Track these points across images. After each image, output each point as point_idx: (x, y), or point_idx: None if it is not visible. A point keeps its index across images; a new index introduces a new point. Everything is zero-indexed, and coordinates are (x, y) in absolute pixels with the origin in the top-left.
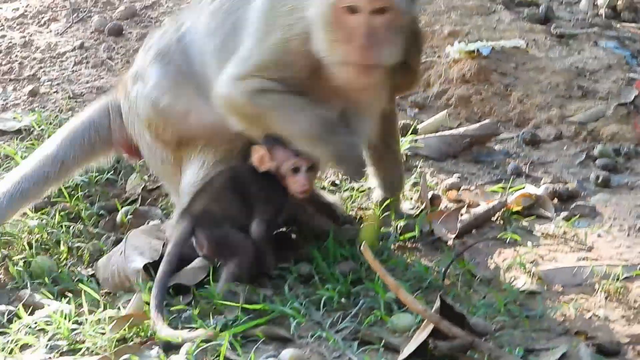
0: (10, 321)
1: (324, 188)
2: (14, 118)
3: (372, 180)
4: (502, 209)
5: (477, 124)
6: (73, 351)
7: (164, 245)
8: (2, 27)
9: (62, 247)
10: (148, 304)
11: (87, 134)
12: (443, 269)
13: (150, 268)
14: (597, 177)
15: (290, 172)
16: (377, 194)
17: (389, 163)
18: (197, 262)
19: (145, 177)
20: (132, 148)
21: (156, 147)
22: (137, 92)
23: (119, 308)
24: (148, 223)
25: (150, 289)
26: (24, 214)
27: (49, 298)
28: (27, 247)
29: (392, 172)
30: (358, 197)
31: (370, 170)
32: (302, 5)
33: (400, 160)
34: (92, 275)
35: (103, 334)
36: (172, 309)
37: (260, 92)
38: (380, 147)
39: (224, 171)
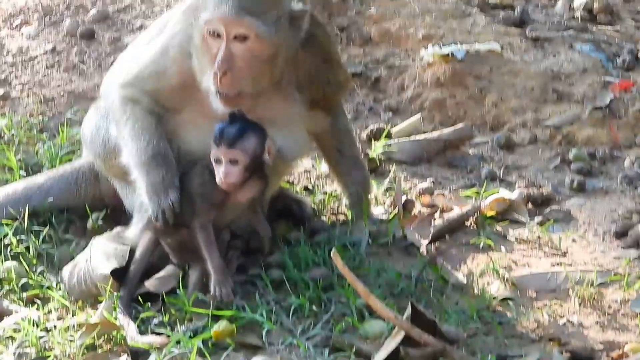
0: None
1: (296, 193)
2: None
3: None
4: (476, 214)
5: (452, 128)
6: (42, 359)
7: (131, 251)
8: None
9: (32, 253)
10: (117, 310)
11: (77, 174)
12: (415, 275)
13: (117, 274)
14: (572, 182)
15: (214, 163)
16: (346, 201)
17: (347, 169)
18: (166, 270)
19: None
20: None
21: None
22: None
23: (88, 315)
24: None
25: (118, 295)
26: None
27: (18, 305)
28: None
29: (353, 179)
30: (331, 201)
31: (335, 178)
32: (189, 20)
33: (361, 165)
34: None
35: (72, 341)
36: (141, 315)
37: (131, 101)
38: (333, 155)
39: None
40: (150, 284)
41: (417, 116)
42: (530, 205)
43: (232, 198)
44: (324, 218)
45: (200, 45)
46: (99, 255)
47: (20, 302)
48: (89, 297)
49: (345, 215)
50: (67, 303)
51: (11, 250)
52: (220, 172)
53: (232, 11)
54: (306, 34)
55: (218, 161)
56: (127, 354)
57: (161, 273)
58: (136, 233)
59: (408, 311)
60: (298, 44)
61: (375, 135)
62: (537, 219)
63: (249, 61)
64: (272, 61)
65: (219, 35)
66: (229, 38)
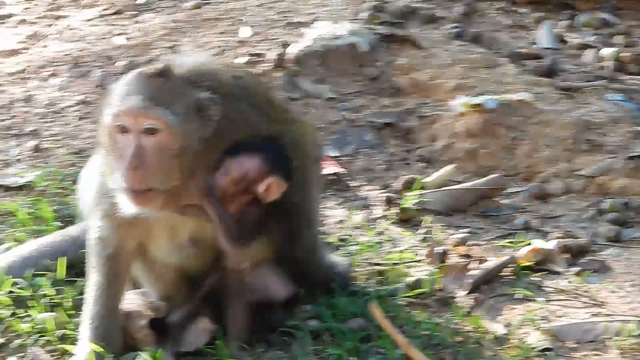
0: None
1: (329, 244)
2: (17, 174)
3: None
4: (512, 264)
5: (485, 178)
6: None
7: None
8: (3, 83)
9: (69, 304)
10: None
11: None
12: (453, 326)
13: (154, 325)
14: (608, 232)
15: None
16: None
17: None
18: (200, 324)
19: None
20: None
21: None
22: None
23: None
24: None
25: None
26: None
27: (56, 356)
28: (33, 304)
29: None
30: (365, 252)
31: None
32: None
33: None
34: None
35: None
36: None
37: (101, 241)
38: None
39: None
40: (183, 343)
41: (450, 166)
42: (566, 255)
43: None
44: (359, 269)
45: (106, 143)
46: (135, 307)
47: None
48: (127, 348)
49: (381, 264)
50: (106, 354)
51: (49, 301)
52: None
53: (140, 103)
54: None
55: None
56: None
57: (194, 329)
58: None
59: None
60: (209, 135)
61: (409, 186)
62: (574, 269)
63: (159, 155)
64: (183, 154)
65: (127, 130)
66: (137, 132)
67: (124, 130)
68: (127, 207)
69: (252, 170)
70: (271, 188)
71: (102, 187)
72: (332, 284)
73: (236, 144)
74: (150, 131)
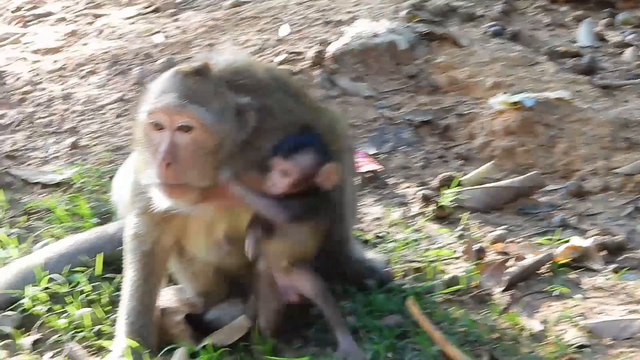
0: None
1: (367, 241)
2: (55, 171)
3: None
4: (549, 262)
5: (522, 176)
6: None
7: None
8: (42, 80)
9: (105, 300)
10: (193, 355)
11: None
12: (490, 323)
13: (191, 320)
14: None
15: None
16: None
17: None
18: (237, 320)
19: None
20: None
21: None
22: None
23: None
24: None
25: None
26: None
27: (92, 351)
28: (70, 300)
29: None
30: (402, 249)
31: None
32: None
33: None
34: None
35: None
36: None
37: (137, 239)
38: None
39: None
40: (217, 337)
41: (488, 164)
42: (603, 252)
43: None
44: (396, 266)
45: (142, 140)
46: (172, 303)
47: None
48: (163, 344)
49: (418, 262)
50: (141, 350)
51: (85, 297)
52: (269, 179)
53: (176, 101)
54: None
55: (272, 168)
56: None
57: (229, 324)
58: None
59: (485, 359)
60: (244, 138)
61: (446, 183)
62: (611, 266)
63: (193, 152)
64: (216, 152)
65: (162, 127)
66: (172, 129)
67: (159, 127)
68: (161, 201)
69: (311, 165)
70: (329, 175)
71: (138, 183)
72: (364, 279)
73: (279, 142)
74: (185, 128)
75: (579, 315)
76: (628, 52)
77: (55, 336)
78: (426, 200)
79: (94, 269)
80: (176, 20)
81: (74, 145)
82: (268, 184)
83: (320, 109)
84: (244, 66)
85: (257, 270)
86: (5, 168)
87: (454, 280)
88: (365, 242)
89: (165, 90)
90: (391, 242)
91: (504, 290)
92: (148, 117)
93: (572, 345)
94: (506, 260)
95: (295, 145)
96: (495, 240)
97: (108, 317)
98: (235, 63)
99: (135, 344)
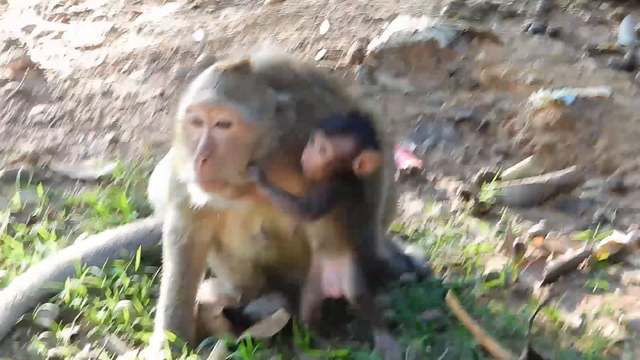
0: None
1: (406, 237)
2: (95, 166)
3: None
4: (589, 257)
5: (563, 172)
6: None
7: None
8: (82, 76)
9: (144, 294)
10: (231, 348)
11: None
12: (529, 318)
13: (229, 314)
14: None
15: None
16: None
17: None
18: (275, 315)
19: None
20: None
21: None
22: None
23: (199, 354)
24: None
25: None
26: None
27: (130, 345)
28: (110, 292)
29: None
30: (443, 244)
31: None
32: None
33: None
34: None
35: None
36: (255, 355)
37: (174, 233)
38: None
39: None
40: (255, 331)
41: (528, 160)
42: None
43: None
44: (435, 261)
45: (181, 135)
46: (210, 297)
47: (133, 343)
48: (201, 338)
49: (457, 257)
50: (179, 343)
51: (124, 291)
52: (306, 153)
53: (214, 97)
54: None
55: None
56: None
57: (268, 317)
58: None
59: (524, 354)
60: (282, 135)
61: (486, 179)
62: None
63: (231, 148)
64: (254, 149)
65: (200, 123)
66: (210, 125)
67: (197, 123)
68: (198, 196)
69: (350, 148)
70: (366, 162)
71: (176, 178)
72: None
73: (324, 120)
74: (223, 125)
75: (618, 310)
76: None
77: (94, 329)
78: (466, 195)
79: (133, 263)
80: (216, 17)
81: (114, 141)
82: (303, 158)
83: (358, 105)
84: (282, 63)
85: (312, 259)
86: (46, 163)
87: (493, 275)
88: (405, 237)
89: (205, 87)
90: (430, 237)
91: (543, 285)
92: (187, 113)
93: (611, 340)
94: (546, 256)
95: (339, 125)
96: (535, 236)
97: (147, 311)
98: (274, 59)
99: (173, 337)
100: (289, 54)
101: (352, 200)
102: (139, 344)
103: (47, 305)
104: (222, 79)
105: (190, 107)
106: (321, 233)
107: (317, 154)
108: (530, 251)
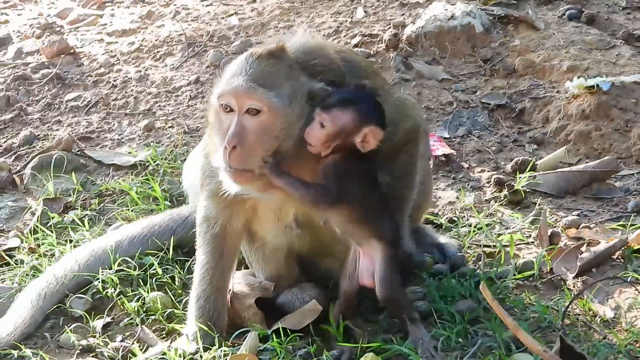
0: (125, 358)
1: (440, 225)
2: (129, 153)
3: None
4: (623, 247)
5: (597, 161)
6: None
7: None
8: (117, 62)
9: (177, 283)
10: (264, 339)
11: None
12: (562, 309)
13: (261, 305)
14: None
15: None
16: None
17: None
18: (309, 305)
19: None
20: None
21: None
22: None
23: (233, 345)
24: None
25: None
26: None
27: (163, 335)
28: (141, 283)
29: None
30: (476, 234)
31: None
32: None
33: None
34: None
35: None
36: (288, 345)
37: (207, 221)
38: None
39: None
40: (288, 321)
41: (563, 149)
42: None
43: None
44: (469, 251)
45: (213, 121)
46: (243, 287)
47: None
48: (234, 327)
49: (491, 246)
50: (212, 333)
51: (157, 280)
52: (309, 128)
53: (245, 84)
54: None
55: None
56: None
57: (302, 308)
58: None
59: (557, 345)
60: None
61: (520, 168)
62: None
63: (260, 135)
64: (285, 137)
65: (231, 110)
66: (241, 112)
67: (228, 109)
68: (228, 185)
69: (348, 122)
70: (368, 138)
71: (208, 166)
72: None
73: (328, 95)
74: (253, 111)
75: None
76: None
77: (127, 319)
78: (500, 184)
79: (166, 252)
80: (252, 2)
81: (149, 127)
82: (306, 133)
83: (391, 92)
84: (317, 49)
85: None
86: (80, 150)
87: (526, 266)
88: (439, 226)
89: (237, 73)
90: (464, 226)
91: (576, 276)
92: (218, 100)
93: None
94: (580, 246)
95: (338, 100)
96: (569, 226)
97: (179, 301)
98: (309, 45)
99: (205, 328)
100: (324, 39)
101: (367, 184)
102: (171, 334)
103: (80, 295)
104: (254, 65)
105: (221, 94)
106: (343, 220)
107: (318, 130)
108: (564, 241)
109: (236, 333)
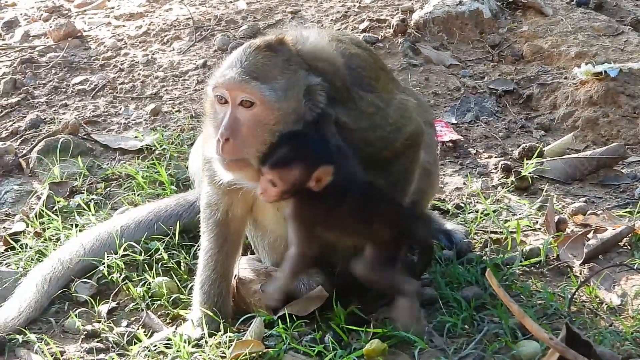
0: (130, 343)
1: (447, 211)
2: (136, 137)
3: None
4: (630, 234)
5: (604, 147)
6: None
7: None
8: (125, 45)
9: (182, 268)
10: (269, 324)
11: None
12: (569, 296)
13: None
14: None
15: None
16: None
17: None
18: (314, 291)
19: None
20: None
21: None
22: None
23: (238, 331)
24: None
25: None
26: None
27: (168, 320)
28: (147, 268)
29: None
30: (483, 220)
31: None
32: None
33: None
34: None
35: (224, 357)
36: (294, 331)
37: (209, 207)
38: None
39: None
40: (294, 307)
41: (570, 135)
42: None
43: None
44: (475, 237)
45: (208, 112)
46: (249, 273)
47: (171, 318)
48: (239, 313)
49: (497, 233)
50: (217, 319)
51: (162, 265)
52: (259, 186)
53: (238, 76)
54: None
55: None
56: None
57: (308, 294)
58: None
59: (563, 332)
60: (310, 118)
61: (528, 154)
62: None
63: (253, 128)
64: (278, 130)
65: (226, 101)
66: (234, 104)
67: (223, 101)
68: (222, 174)
69: (298, 176)
70: (320, 178)
71: (206, 153)
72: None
73: (272, 151)
74: (247, 104)
75: None
76: None
77: (132, 304)
78: (507, 170)
79: (172, 237)
80: None
81: (155, 111)
82: (259, 193)
83: (394, 90)
84: (319, 43)
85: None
86: (87, 133)
87: (533, 252)
88: (446, 212)
89: (232, 65)
90: (471, 212)
91: (583, 263)
92: (213, 91)
93: None
94: (586, 233)
95: (281, 157)
96: (576, 212)
97: (185, 286)
98: (319, 48)
99: (210, 313)
100: (328, 30)
101: (346, 207)
102: (176, 319)
103: (86, 280)
104: (250, 57)
105: (215, 85)
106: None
107: (269, 188)
108: (571, 228)
109: (242, 319)
